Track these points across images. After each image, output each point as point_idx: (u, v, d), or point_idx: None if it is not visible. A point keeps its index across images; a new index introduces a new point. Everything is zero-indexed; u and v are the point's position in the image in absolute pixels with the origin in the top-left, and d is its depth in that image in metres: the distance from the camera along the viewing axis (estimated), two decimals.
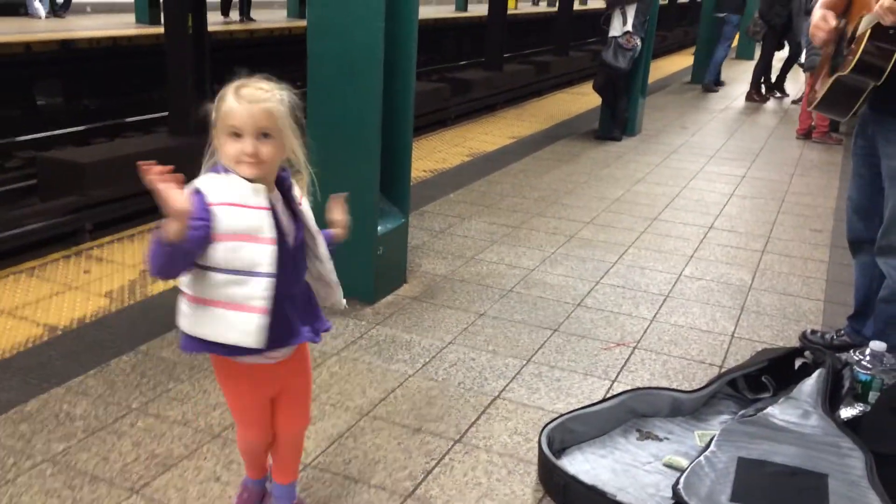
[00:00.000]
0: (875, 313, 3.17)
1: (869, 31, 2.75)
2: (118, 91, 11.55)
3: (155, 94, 11.41)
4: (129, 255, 4.09)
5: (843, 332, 3.36)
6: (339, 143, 3.44)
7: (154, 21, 13.26)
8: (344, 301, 1.96)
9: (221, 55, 11.74)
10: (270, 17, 16.73)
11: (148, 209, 6.44)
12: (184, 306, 1.73)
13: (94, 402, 2.68)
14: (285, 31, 14.55)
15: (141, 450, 2.44)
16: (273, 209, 1.71)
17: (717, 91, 11.30)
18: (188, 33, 8.33)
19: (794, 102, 10.69)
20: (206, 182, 1.68)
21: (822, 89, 3.04)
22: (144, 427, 2.56)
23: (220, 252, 1.65)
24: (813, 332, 3.48)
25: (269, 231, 1.68)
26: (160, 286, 3.71)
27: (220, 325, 1.69)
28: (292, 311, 1.79)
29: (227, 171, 1.70)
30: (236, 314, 1.68)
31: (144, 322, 3.32)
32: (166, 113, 8.68)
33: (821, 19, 2.97)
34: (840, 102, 2.99)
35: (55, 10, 13.97)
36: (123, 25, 13.20)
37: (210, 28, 9.12)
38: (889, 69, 2.76)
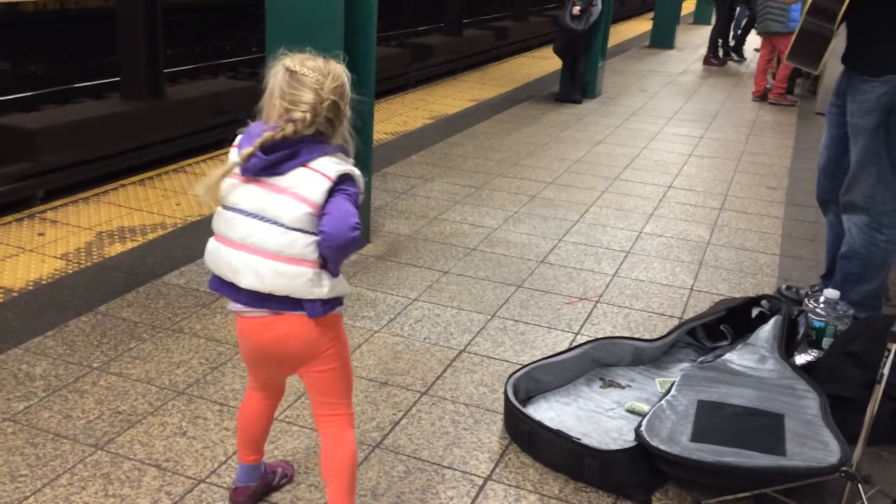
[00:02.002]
0: (837, 269, 3.25)
1: None
2: (68, 56, 11.20)
3: (106, 59, 11.09)
4: (84, 217, 4.00)
5: (816, 288, 3.42)
6: None
7: None
8: None
9: (174, 18, 11.45)
10: None
11: (101, 176, 6.30)
12: (326, 280, 1.70)
13: (54, 362, 2.64)
14: None
15: (104, 407, 2.41)
16: None
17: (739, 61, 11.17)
18: None
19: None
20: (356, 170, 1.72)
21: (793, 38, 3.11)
22: (107, 385, 2.53)
23: None
24: (788, 287, 3.55)
25: None
26: (118, 248, 3.64)
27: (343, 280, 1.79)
28: None
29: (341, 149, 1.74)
30: None
31: (102, 283, 3.26)
32: (118, 78, 8.44)
33: None
34: (807, 50, 3.05)
35: None
36: None
37: None
38: (842, 13, 2.82)
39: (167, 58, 9.13)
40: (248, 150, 1.63)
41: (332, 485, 1.85)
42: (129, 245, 3.69)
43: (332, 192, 1.64)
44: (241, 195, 1.68)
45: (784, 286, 3.57)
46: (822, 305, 2.96)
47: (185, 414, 2.41)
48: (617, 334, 3.10)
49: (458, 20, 14.32)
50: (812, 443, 2.20)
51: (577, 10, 7.19)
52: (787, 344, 2.75)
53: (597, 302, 3.39)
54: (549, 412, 2.51)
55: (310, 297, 1.68)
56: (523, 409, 2.40)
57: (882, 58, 2.89)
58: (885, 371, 2.07)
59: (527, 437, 2.34)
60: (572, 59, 7.60)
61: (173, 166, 5.02)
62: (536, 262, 3.79)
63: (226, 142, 7.71)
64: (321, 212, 1.64)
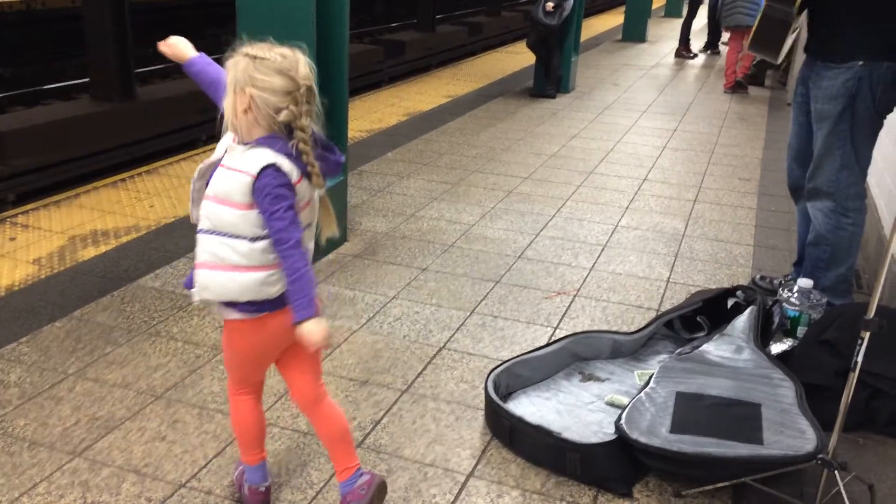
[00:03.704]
0: (806, 256, 3.29)
1: None
2: (35, 58, 11.02)
3: (75, 60, 10.94)
4: (57, 221, 3.94)
5: (790, 277, 3.46)
6: None
7: None
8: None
9: (143, 18, 11.31)
10: None
11: (72, 179, 6.22)
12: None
13: (29, 369, 2.60)
14: None
15: (81, 413, 2.38)
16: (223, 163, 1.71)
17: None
18: None
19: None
20: None
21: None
22: (83, 391, 2.50)
23: None
24: (762, 277, 3.59)
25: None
26: (91, 251, 3.60)
27: None
28: None
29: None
30: None
31: (76, 287, 3.22)
32: (87, 79, 8.33)
33: None
34: (769, 37, 3.07)
35: None
36: None
37: None
38: None
39: (138, 58, 9.02)
40: (317, 168, 1.67)
41: (343, 445, 1.95)
42: (103, 248, 3.64)
43: None
44: (311, 209, 1.76)
45: (758, 276, 3.62)
46: (795, 295, 3.00)
47: (164, 418, 2.38)
48: (595, 328, 3.11)
49: (432, 16, 14.31)
50: (789, 431, 2.23)
51: (550, 5, 7.22)
52: (763, 334, 2.79)
53: (575, 296, 3.41)
54: (529, 407, 2.52)
55: None
56: (504, 405, 2.41)
57: (844, 44, 2.93)
58: (859, 359, 2.11)
59: (508, 432, 2.35)
60: (546, 55, 7.63)
61: (146, 167, 4.97)
62: (514, 257, 3.80)
63: (199, 142, 7.64)
64: None
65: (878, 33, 2.86)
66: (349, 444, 1.98)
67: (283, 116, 1.62)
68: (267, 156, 1.62)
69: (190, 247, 3.73)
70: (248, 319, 1.75)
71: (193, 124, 8.08)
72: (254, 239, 1.65)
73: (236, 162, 1.64)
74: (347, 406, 2.50)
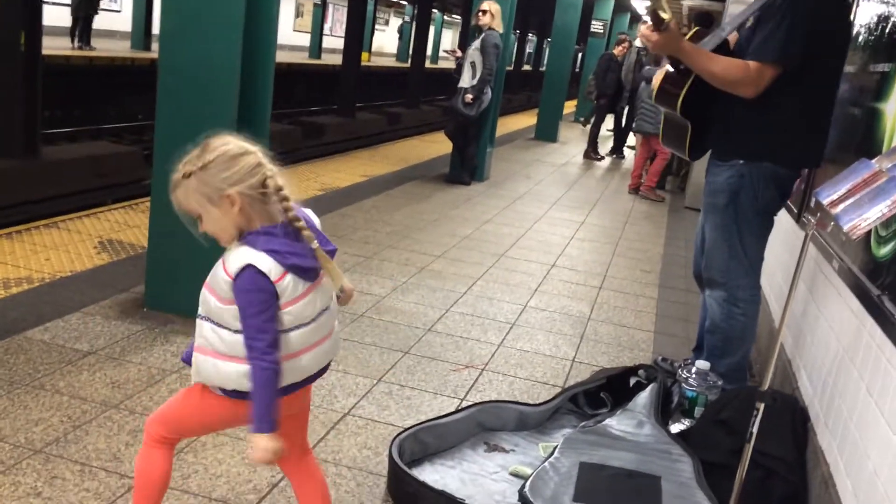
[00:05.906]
0: (704, 343, 3.41)
1: (667, 64, 3.05)
2: None
3: None
4: None
5: (689, 360, 3.56)
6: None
7: None
8: None
9: (56, 81, 11.07)
10: (113, 46, 16.02)
11: None
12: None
13: None
14: (128, 61, 13.96)
15: None
16: None
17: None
18: (20, 51, 7.84)
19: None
20: None
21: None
22: None
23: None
24: (664, 359, 3.69)
25: None
26: None
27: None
28: None
29: None
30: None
31: None
32: None
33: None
34: (673, 137, 3.25)
35: None
36: None
37: (45, 52, 8.62)
38: (682, 96, 3.04)
39: (49, 119, 8.80)
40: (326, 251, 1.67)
41: None
42: None
43: None
44: (312, 300, 1.69)
45: (660, 358, 3.72)
46: (693, 376, 3.09)
47: (41, 473, 2.21)
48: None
49: (352, 103, 14.63)
50: None
51: (469, 97, 7.50)
52: (663, 411, 2.85)
53: (482, 370, 3.41)
54: (433, 475, 2.47)
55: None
56: (408, 470, 2.35)
57: (728, 145, 3.13)
58: (754, 430, 2.18)
59: (411, 498, 2.28)
60: (463, 143, 7.87)
61: (45, 221, 4.76)
62: (424, 329, 3.79)
63: (103, 206, 7.41)
64: None
65: (755, 138, 3.07)
66: None
67: (271, 183, 1.58)
68: (246, 256, 1.57)
69: (85, 301, 3.56)
70: (227, 400, 1.70)
71: (98, 187, 7.86)
72: (236, 331, 1.61)
73: (226, 258, 1.61)
74: (244, 468, 2.39)
